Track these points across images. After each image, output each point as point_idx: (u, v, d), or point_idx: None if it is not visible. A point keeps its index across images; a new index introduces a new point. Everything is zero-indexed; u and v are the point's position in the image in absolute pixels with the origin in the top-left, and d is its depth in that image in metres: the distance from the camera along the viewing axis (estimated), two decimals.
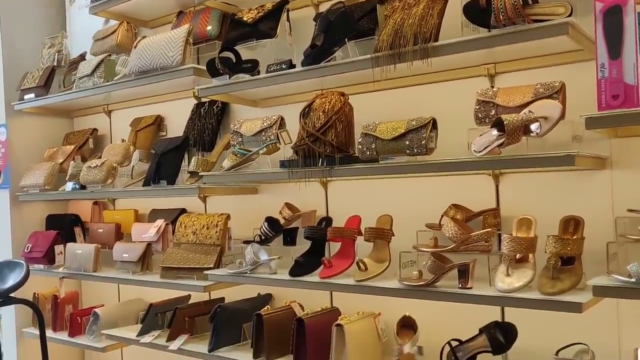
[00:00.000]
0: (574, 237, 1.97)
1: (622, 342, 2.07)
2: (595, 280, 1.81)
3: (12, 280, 3.15)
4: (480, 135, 2.03)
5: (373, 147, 2.23)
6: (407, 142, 2.15)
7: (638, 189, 2.03)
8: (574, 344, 2.04)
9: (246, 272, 2.63)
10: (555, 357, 2.02)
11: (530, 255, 2.02)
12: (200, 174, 2.85)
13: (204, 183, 2.86)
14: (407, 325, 2.40)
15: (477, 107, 2.11)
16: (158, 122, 3.51)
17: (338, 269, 2.38)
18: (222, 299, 3.08)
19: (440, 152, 2.20)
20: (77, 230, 3.70)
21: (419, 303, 2.36)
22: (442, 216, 2.34)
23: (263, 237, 2.76)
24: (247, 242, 2.77)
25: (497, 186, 2.35)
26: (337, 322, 2.36)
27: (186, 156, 3.11)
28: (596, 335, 2.10)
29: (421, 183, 2.54)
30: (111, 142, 3.72)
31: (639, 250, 1.89)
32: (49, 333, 3.43)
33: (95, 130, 3.85)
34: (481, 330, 2.20)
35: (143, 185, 3.12)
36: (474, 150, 2.01)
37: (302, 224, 2.77)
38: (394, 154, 2.20)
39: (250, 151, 2.64)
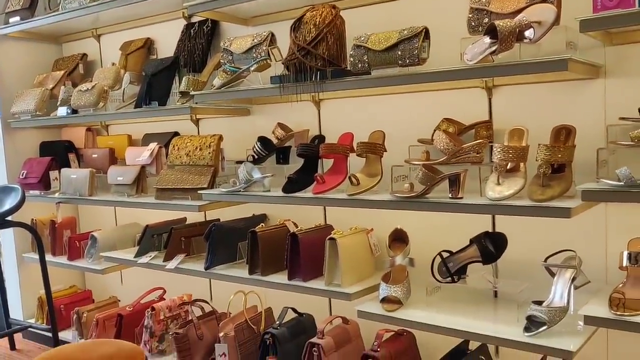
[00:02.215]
0: (565, 145, 1.97)
1: (608, 247, 2.10)
2: (585, 186, 1.82)
3: (8, 204, 3.18)
4: (473, 43, 1.99)
5: (365, 59, 2.20)
6: (399, 53, 2.11)
7: (631, 97, 2.01)
8: (562, 250, 2.07)
9: (240, 191, 2.64)
10: (544, 264, 2.05)
11: (521, 165, 2.03)
12: (191, 93, 2.81)
13: (196, 103, 2.83)
14: (399, 239, 2.43)
15: (470, 15, 2.07)
16: (148, 45, 3.45)
17: (331, 185, 2.40)
18: (218, 220, 3.11)
19: (433, 64, 2.16)
20: (72, 156, 3.70)
21: (411, 217, 2.41)
22: (435, 130, 2.33)
23: (256, 157, 2.76)
24: (240, 162, 2.77)
25: (490, 99, 2.33)
26: (330, 236, 2.39)
27: (177, 78, 3.08)
28: (585, 243, 2.14)
29: (414, 99, 2.52)
30: (101, 67, 3.67)
31: (629, 157, 1.90)
32: (48, 257, 3.50)
33: (84, 55, 3.78)
34: (472, 241, 2.23)
35: (135, 108, 3.09)
36: (467, 60, 1.98)
37: (295, 143, 2.76)
38: (386, 66, 2.17)
39: (240, 68, 2.60)
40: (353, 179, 2.33)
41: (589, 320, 1.85)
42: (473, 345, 2.32)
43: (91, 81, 3.38)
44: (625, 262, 1.89)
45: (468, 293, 2.36)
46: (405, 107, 2.55)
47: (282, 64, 2.43)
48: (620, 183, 1.73)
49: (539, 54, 1.91)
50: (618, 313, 1.79)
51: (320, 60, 2.30)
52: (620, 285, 1.90)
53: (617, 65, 2.05)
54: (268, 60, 2.57)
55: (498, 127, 2.29)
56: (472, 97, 2.36)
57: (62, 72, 3.65)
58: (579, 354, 1.92)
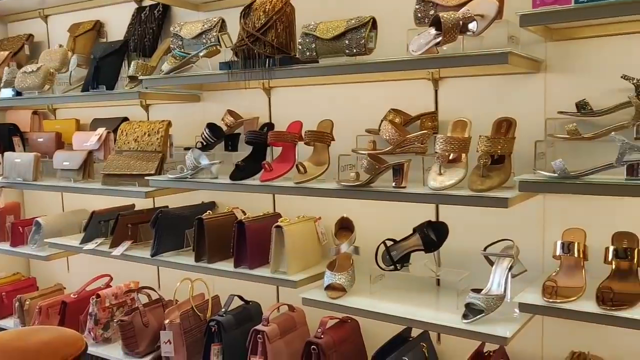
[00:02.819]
0: (505, 137, 2.02)
1: (546, 237, 2.17)
2: (522, 177, 1.87)
3: None
4: (418, 35, 2.02)
5: (313, 47, 2.20)
6: (347, 42, 2.12)
7: (570, 92, 2.07)
8: (501, 240, 2.12)
9: (187, 177, 2.61)
10: (483, 253, 2.10)
11: (463, 155, 2.07)
12: (139, 78, 2.77)
13: (146, 88, 2.79)
14: (345, 227, 2.46)
15: (417, 6, 2.09)
16: (97, 28, 3.37)
17: (278, 172, 2.40)
18: (166, 207, 3.07)
19: (381, 54, 2.18)
20: (16, 140, 3.59)
21: (358, 205, 2.44)
22: (382, 121, 2.35)
23: (204, 143, 2.73)
24: (189, 149, 2.74)
25: (436, 91, 2.37)
26: (277, 224, 2.40)
27: (126, 62, 3.02)
28: (524, 233, 2.20)
29: (364, 89, 2.54)
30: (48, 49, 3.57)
31: (566, 150, 1.96)
32: None
33: (31, 36, 3.67)
34: (415, 230, 2.27)
35: (82, 91, 3.02)
36: (412, 50, 2.01)
37: (244, 130, 2.75)
38: (334, 54, 2.17)
39: (189, 54, 2.57)
40: (300, 167, 2.33)
41: (524, 307, 1.90)
42: (416, 332, 2.36)
43: (37, 63, 3.28)
44: (558, 252, 1.95)
45: (411, 281, 2.40)
46: (355, 97, 2.57)
47: (231, 49, 2.41)
48: (555, 175, 1.78)
49: (481, 47, 1.94)
50: (550, 300, 1.85)
51: (269, 47, 2.29)
52: (554, 274, 1.96)
53: (558, 61, 2.11)
54: (218, 47, 2.54)
55: (444, 119, 2.33)
56: (419, 88, 2.40)
57: (7, 52, 3.53)
58: (515, 339, 1.98)
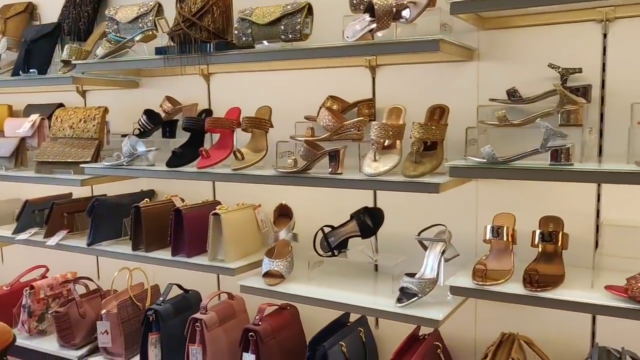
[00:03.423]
0: (438, 124, 2.05)
1: (478, 222, 2.21)
2: (453, 163, 1.91)
3: None
4: (353, 21, 2.02)
5: (249, 32, 2.18)
6: (282, 27, 2.11)
7: (502, 79, 2.11)
8: (434, 225, 2.16)
9: (123, 164, 2.56)
10: (417, 238, 2.13)
11: (398, 142, 2.09)
12: (72, 62, 2.68)
13: (82, 73, 2.71)
14: (284, 214, 2.46)
15: None
16: (30, 10, 3.24)
17: (215, 159, 2.37)
18: (104, 195, 3.00)
19: (318, 40, 2.18)
20: None
21: (299, 192, 2.44)
22: (320, 108, 2.35)
23: (141, 130, 2.68)
24: (125, 135, 2.68)
25: (373, 78, 2.38)
26: (214, 211, 2.37)
27: (59, 47, 2.93)
28: (458, 218, 2.24)
29: (303, 75, 2.53)
30: None
31: (498, 136, 2.01)
32: None
33: None
34: (352, 216, 2.29)
35: (12, 75, 2.91)
36: (347, 37, 2.01)
37: (183, 117, 2.70)
38: (270, 40, 2.16)
39: (125, 38, 2.50)
40: (237, 154, 2.32)
41: (455, 290, 1.95)
42: (355, 317, 2.39)
43: None
44: (488, 236, 2.00)
45: (349, 267, 2.42)
46: (294, 83, 2.56)
47: (167, 34, 2.36)
48: (484, 160, 1.82)
49: (415, 35, 1.97)
50: (480, 283, 1.90)
51: (205, 32, 2.26)
52: (484, 258, 2.01)
53: (490, 49, 2.15)
54: (154, 31, 2.49)
55: (381, 106, 2.34)
56: (357, 75, 2.41)
57: None
58: (450, 322, 2.03)
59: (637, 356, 1.87)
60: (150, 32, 2.48)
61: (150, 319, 2.49)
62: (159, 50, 2.36)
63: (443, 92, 2.23)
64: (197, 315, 2.39)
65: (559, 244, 1.93)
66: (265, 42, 2.16)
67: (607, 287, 1.76)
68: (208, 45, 2.24)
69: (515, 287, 1.87)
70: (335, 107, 2.33)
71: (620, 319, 1.72)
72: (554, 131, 1.72)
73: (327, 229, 2.31)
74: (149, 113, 2.69)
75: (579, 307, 1.76)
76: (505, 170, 1.80)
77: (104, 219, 2.69)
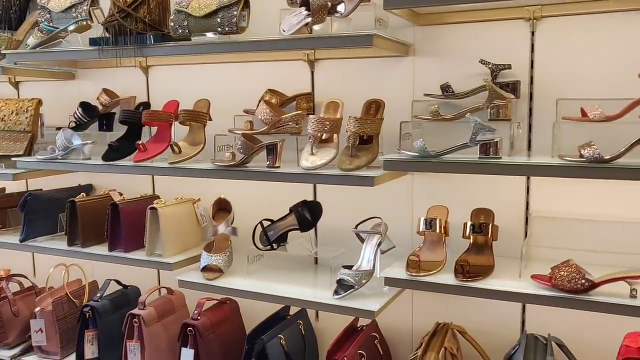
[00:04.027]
0: (374, 118, 2.08)
1: (414, 214, 2.25)
2: (387, 156, 1.94)
3: None
4: (290, 15, 2.02)
5: (185, 24, 2.15)
6: (219, 20, 2.09)
7: (436, 75, 2.15)
8: (371, 218, 2.19)
9: (57, 158, 2.49)
10: (354, 230, 2.16)
11: (335, 136, 2.11)
12: (3, 52, 2.59)
13: (15, 63, 2.62)
14: (223, 208, 2.45)
15: None
16: None
17: (152, 153, 2.34)
18: (40, 190, 2.92)
19: (256, 34, 2.17)
20: None
21: (238, 187, 2.43)
22: (260, 101, 2.35)
23: (77, 123, 2.62)
24: (60, 128, 2.61)
25: (312, 72, 2.39)
26: (152, 205, 2.34)
27: None
28: (395, 210, 2.28)
29: (242, 69, 2.52)
30: None
31: (432, 131, 2.05)
32: None
33: None
34: (291, 210, 2.29)
35: None
36: (283, 30, 2.01)
37: (121, 110, 2.65)
38: (206, 32, 2.14)
39: (57, 28, 2.43)
40: (175, 147, 2.29)
41: (389, 281, 1.98)
42: (295, 310, 2.40)
43: None
44: (422, 228, 2.04)
45: (289, 260, 2.43)
46: (233, 76, 2.55)
47: (102, 24, 2.31)
48: (416, 154, 1.86)
49: (350, 29, 1.98)
50: (413, 274, 1.94)
51: (141, 23, 2.22)
52: (418, 249, 2.05)
53: (425, 45, 2.18)
54: (88, 22, 2.42)
55: (320, 100, 2.35)
56: (296, 69, 2.41)
57: None
58: (387, 313, 2.08)
59: (561, 342, 1.95)
60: (85, 23, 2.42)
61: (87, 315, 2.44)
62: (93, 41, 2.31)
63: (380, 87, 2.26)
64: (135, 311, 2.36)
65: (489, 236, 1.99)
66: (208, 34, 2.13)
67: (533, 277, 1.82)
68: (144, 37, 2.20)
69: (447, 277, 1.91)
70: (274, 100, 2.33)
71: (548, 307, 1.78)
72: (483, 125, 1.77)
73: (266, 223, 2.31)
74: (84, 105, 2.63)
75: (507, 296, 1.82)
76: (436, 163, 1.84)
77: (38, 214, 2.62)
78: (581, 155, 1.65)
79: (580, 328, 2.04)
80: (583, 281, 1.72)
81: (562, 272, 1.75)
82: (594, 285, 1.71)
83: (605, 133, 1.69)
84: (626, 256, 1.83)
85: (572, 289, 1.72)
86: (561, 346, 1.95)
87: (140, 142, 2.35)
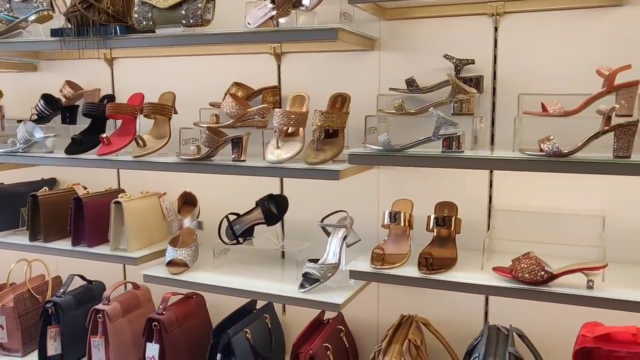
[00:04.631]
0: (340, 112, 2.08)
1: (380, 208, 2.27)
2: (351, 150, 1.94)
3: None
4: (255, 8, 2.01)
5: (149, 16, 2.12)
6: (183, 12, 2.07)
7: (402, 69, 2.17)
8: (337, 211, 2.20)
9: (18, 151, 2.44)
10: (320, 224, 2.17)
11: (301, 129, 2.11)
12: None
13: None
14: (189, 202, 2.43)
15: None
16: None
17: (117, 146, 2.31)
18: (1, 184, 2.86)
19: (220, 26, 2.15)
20: None
21: (204, 181, 2.42)
22: (225, 94, 2.34)
23: (39, 116, 2.57)
24: (22, 121, 2.56)
25: (279, 66, 2.39)
26: (116, 199, 2.32)
27: None
28: (361, 204, 2.29)
29: (208, 62, 2.51)
30: None
31: (398, 125, 2.07)
32: None
33: None
34: (257, 203, 2.29)
35: None
36: (248, 23, 2.00)
37: (84, 102, 2.60)
38: (171, 25, 2.11)
39: (18, 18, 2.38)
40: (139, 141, 2.26)
41: (354, 274, 1.99)
42: (262, 304, 2.40)
43: None
44: (386, 221, 2.06)
45: (256, 254, 2.43)
46: (200, 69, 2.53)
47: (63, 15, 2.27)
48: (381, 148, 1.87)
49: (315, 23, 1.98)
50: (378, 267, 1.95)
51: (104, 14, 2.19)
52: (382, 242, 2.07)
53: (391, 39, 2.20)
54: (50, 12, 2.37)
55: (286, 93, 2.35)
56: (263, 62, 2.40)
57: None
58: (353, 306, 2.10)
59: (522, 332, 1.99)
60: (46, 13, 2.36)
61: (50, 311, 2.41)
62: (54, 32, 2.26)
63: (346, 81, 2.27)
64: (99, 306, 2.33)
65: (452, 229, 2.01)
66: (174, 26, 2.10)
67: (495, 269, 1.86)
68: (107, 28, 2.16)
69: (411, 270, 1.93)
70: (240, 93, 2.32)
71: (510, 298, 1.81)
72: (445, 120, 1.79)
73: (232, 217, 2.30)
74: (47, 98, 2.58)
75: (469, 288, 1.84)
76: (400, 157, 1.85)
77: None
78: (541, 150, 1.68)
79: (541, 319, 2.08)
80: (542, 273, 1.75)
81: (523, 264, 1.78)
82: (552, 276, 1.75)
83: (566, 128, 1.72)
84: (584, 248, 1.86)
85: (532, 280, 1.76)
86: (522, 337, 1.98)
87: (104, 135, 2.32)
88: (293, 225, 2.43)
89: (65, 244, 2.44)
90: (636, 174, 1.61)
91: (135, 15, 2.15)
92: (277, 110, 2.07)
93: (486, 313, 2.21)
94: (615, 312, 1.70)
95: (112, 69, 2.70)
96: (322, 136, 2.01)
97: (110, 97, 2.58)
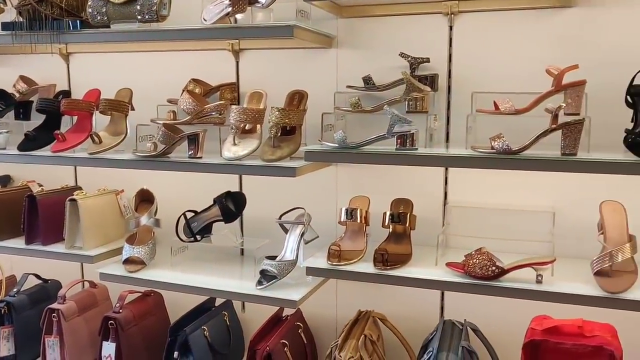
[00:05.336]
0: (297, 109, 2.09)
1: (338, 205, 2.28)
2: (308, 147, 1.95)
3: None
4: (212, 4, 2.00)
5: (104, 11, 2.10)
6: (138, 7, 2.05)
7: (359, 67, 2.18)
8: (295, 208, 2.21)
9: None
10: (278, 221, 2.17)
11: (258, 126, 2.11)
12: None
13: None
14: (147, 200, 2.41)
15: None
16: None
17: (72, 143, 2.28)
18: None
19: (177, 23, 2.13)
20: None
21: (163, 178, 2.39)
22: (183, 91, 2.32)
23: None
24: None
25: (237, 62, 2.38)
26: (71, 197, 2.28)
27: None
28: (320, 201, 2.30)
29: (166, 58, 2.49)
30: None
31: (356, 122, 2.09)
32: None
33: None
34: (214, 201, 2.28)
35: None
36: (204, 19, 1.99)
37: (39, 98, 2.55)
38: (126, 20, 2.09)
39: None
40: (95, 137, 2.23)
41: (310, 271, 2.00)
42: (220, 302, 2.39)
43: None
44: (343, 218, 2.07)
45: (215, 252, 2.42)
46: (158, 66, 2.50)
47: (15, 8, 2.22)
48: (336, 145, 1.88)
49: (271, 20, 1.98)
50: (334, 263, 1.97)
51: (57, 8, 2.15)
52: (339, 239, 2.08)
53: (348, 37, 2.21)
54: (1, 5, 2.33)
55: (245, 90, 2.34)
56: (221, 59, 2.39)
57: None
58: (312, 302, 2.11)
59: (476, 327, 2.03)
60: None
61: (2, 311, 2.36)
62: (5, 26, 2.22)
63: (304, 78, 2.27)
64: (54, 305, 2.30)
65: (408, 225, 2.03)
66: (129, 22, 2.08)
67: (448, 264, 1.89)
68: (60, 22, 2.13)
69: (367, 266, 1.95)
70: (197, 90, 2.30)
71: (465, 293, 1.84)
72: (399, 117, 1.81)
73: (189, 214, 2.29)
74: (0, 93, 2.53)
75: (422, 283, 1.87)
76: (356, 154, 1.87)
77: None
78: (492, 147, 1.71)
79: (494, 313, 2.12)
80: (494, 268, 1.79)
81: (475, 260, 1.81)
82: (503, 271, 1.79)
83: (517, 126, 1.76)
84: (535, 243, 1.91)
85: (484, 275, 1.79)
86: (476, 331, 2.02)
87: (58, 131, 2.28)
88: (252, 222, 2.43)
89: (19, 243, 2.40)
90: (582, 171, 1.66)
91: (89, 10, 2.12)
92: (233, 107, 2.06)
93: (442, 308, 2.25)
94: (564, 306, 1.75)
95: (68, 65, 2.65)
96: (279, 133, 2.02)
97: (66, 93, 2.55)
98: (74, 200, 2.27)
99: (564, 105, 1.69)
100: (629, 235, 1.78)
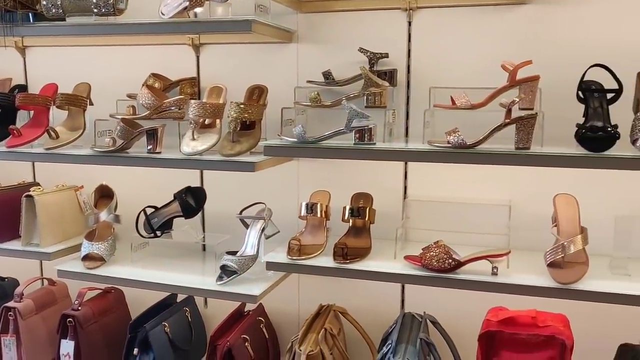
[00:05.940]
0: (256, 104, 2.08)
1: (300, 200, 2.28)
2: (267, 142, 1.95)
3: None
4: None
5: (59, 3, 2.06)
6: (95, 1, 2.02)
7: (319, 62, 2.18)
8: (255, 203, 2.20)
9: None
10: (238, 216, 2.16)
11: (217, 121, 2.10)
12: None
13: None
14: (106, 195, 2.38)
15: None
16: None
17: (28, 138, 2.23)
18: None
19: (135, 17, 2.11)
20: None
21: (122, 173, 2.38)
22: (143, 85, 2.30)
23: None
24: None
25: (198, 57, 2.36)
26: (28, 193, 2.24)
27: None
28: (281, 195, 2.31)
29: (126, 52, 2.45)
30: None
31: (316, 117, 2.09)
32: None
33: None
34: (175, 196, 2.27)
35: None
36: (162, 13, 1.97)
37: None
38: (82, 13, 2.06)
39: None
40: (52, 133, 2.20)
41: (270, 265, 2.01)
42: (182, 297, 2.38)
43: None
44: (303, 212, 2.08)
45: (176, 248, 2.41)
46: (117, 60, 2.47)
47: None
48: (295, 140, 1.88)
49: (229, 14, 1.97)
50: (294, 258, 1.97)
51: (10, 0, 2.10)
52: (299, 233, 2.09)
53: (308, 32, 2.21)
54: None
55: (206, 85, 2.32)
56: (181, 53, 2.37)
57: None
58: (274, 297, 2.12)
59: (435, 319, 2.05)
60: None
61: None
62: None
63: (265, 73, 2.27)
64: (10, 303, 2.26)
65: (367, 219, 2.05)
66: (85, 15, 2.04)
67: (406, 257, 1.91)
68: (13, 15, 2.08)
69: (327, 260, 1.96)
70: (157, 85, 2.28)
71: (425, 286, 1.86)
72: (357, 112, 1.82)
73: (149, 210, 2.27)
74: None
75: (381, 276, 1.89)
76: (314, 149, 1.87)
77: None
78: (448, 142, 1.73)
79: (452, 305, 2.15)
80: (450, 261, 1.81)
81: (432, 253, 1.84)
82: (459, 264, 1.82)
83: (474, 120, 1.78)
84: (491, 236, 1.94)
85: (440, 268, 1.82)
86: (435, 323, 2.05)
87: (13, 126, 2.24)
88: (213, 218, 2.42)
89: None
90: (534, 164, 1.68)
91: (44, 2, 2.08)
92: (192, 101, 2.05)
93: (403, 301, 2.27)
94: (519, 297, 1.78)
95: (24, 58, 2.60)
96: (238, 128, 2.01)
97: (22, 87, 2.50)
98: (30, 196, 2.23)
99: (518, 100, 1.72)
100: (580, 227, 1.82)
